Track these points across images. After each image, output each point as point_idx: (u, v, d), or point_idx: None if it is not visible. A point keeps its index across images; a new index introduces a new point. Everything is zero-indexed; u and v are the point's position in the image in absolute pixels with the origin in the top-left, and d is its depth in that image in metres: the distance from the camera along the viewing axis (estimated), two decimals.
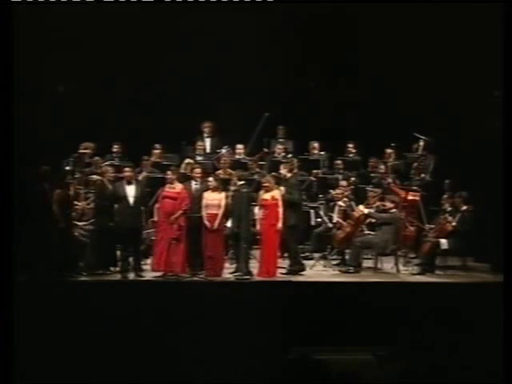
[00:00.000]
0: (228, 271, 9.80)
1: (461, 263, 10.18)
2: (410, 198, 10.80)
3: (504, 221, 7.71)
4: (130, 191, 9.62)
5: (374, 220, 10.29)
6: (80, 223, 9.91)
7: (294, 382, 6.38)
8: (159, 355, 8.04)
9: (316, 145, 11.72)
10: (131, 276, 9.50)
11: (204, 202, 9.63)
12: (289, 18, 11.56)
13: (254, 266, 9.74)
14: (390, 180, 11.03)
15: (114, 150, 11.30)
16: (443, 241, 10.04)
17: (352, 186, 10.92)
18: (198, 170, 9.96)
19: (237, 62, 11.98)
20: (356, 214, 10.28)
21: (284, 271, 9.83)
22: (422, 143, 11.53)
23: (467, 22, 10.68)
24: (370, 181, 11.32)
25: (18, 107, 7.99)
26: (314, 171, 11.23)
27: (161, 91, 12.11)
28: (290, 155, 11.40)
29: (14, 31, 8.00)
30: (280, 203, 9.65)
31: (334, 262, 10.49)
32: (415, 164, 11.45)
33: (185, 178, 9.96)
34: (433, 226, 10.38)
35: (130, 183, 9.66)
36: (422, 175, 11.40)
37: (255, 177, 10.40)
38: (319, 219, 10.81)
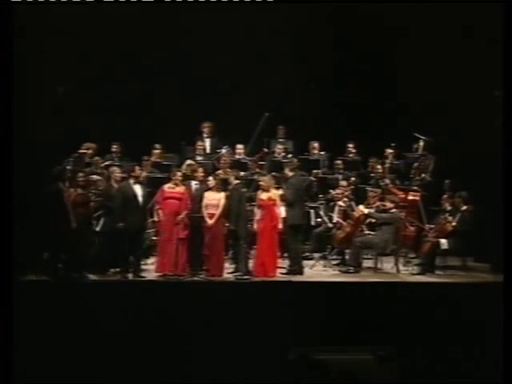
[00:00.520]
0: (228, 271, 9.79)
1: (461, 263, 10.18)
2: (410, 198, 10.82)
3: (504, 221, 7.70)
4: (138, 191, 9.58)
5: (373, 220, 10.30)
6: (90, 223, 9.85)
7: (294, 382, 6.39)
8: (159, 355, 8.05)
9: (316, 145, 11.71)
10: (131, 276, 9.47)
11: (204, 202, 9.64)
12: (289, 18, 11.54)
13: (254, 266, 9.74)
14: (387, 181, 11.03)
15: (114, 149, 11.31)
16: (443, 241, 10.04)
17: (352, 186, 10.92)
18: (200, 171, 9.96)
19: (237, 62, 11.98)
20: (356, 214, 10.29)
21: (284, 271, 9.83)
22: (421, 143, 11.54)
23: (467, 22, 10.69)
24: (370, 181, 11.33)
25: (18, 107, 7.99)
26: (314, 171, 11.22)
27: (161, 91, 12.10)
28: (290, 155, 11.40)
29: (14, 31, 8.00)
30: (278, 203, 9.66)
31: (334, 262, 10.49)
32: (415, 164, 11.44)
33: (186, 179, 9.96)
34: (433, 225, 10.38)
35: (137, 183, 9.62)
36: (422, 175, 11.40)
37: (255, 177, 10.41)
38: (319, 219, 10.81)
